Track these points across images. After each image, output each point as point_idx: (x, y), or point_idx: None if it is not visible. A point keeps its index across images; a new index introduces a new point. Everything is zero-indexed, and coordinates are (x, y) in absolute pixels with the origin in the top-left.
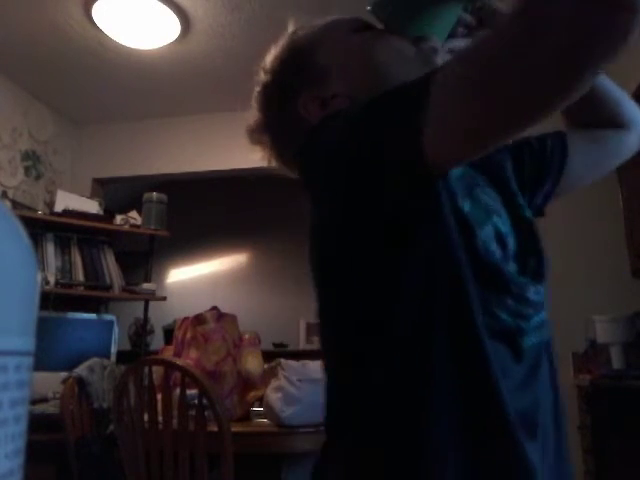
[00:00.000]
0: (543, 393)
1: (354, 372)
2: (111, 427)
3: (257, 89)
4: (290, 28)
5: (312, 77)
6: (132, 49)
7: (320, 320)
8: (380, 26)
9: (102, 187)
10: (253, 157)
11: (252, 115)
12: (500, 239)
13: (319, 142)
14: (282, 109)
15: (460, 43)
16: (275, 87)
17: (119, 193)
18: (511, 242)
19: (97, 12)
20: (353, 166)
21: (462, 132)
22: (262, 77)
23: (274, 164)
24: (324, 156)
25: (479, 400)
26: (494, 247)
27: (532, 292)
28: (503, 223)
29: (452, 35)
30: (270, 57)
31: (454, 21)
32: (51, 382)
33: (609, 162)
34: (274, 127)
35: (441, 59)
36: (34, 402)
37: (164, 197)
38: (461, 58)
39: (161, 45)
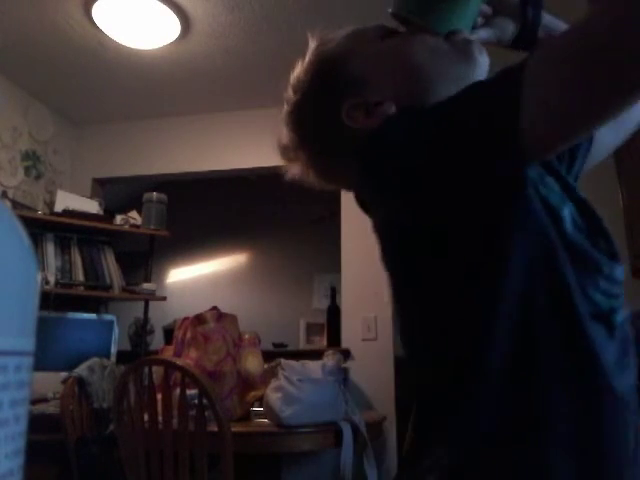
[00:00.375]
0: (631, 369)
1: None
2: (111, 427)
3: (287, 108)
4: (311, 44)
5: (349, 88)
6: (132, 49)
7: (408, 327)
8: (402, 29)
9: (102, 187)
10: (253, 157)
11: (284, 135)
12: (575, 223)
13: (391, 144)
14: (319, 123)
15: (483, 33)
16: (309, 103)
17: (119, 193)
18: (583, 225)
19: (97, 12)
20: (448, 162)
21: (560, 118)
22: (292, 96)
23: (311, 179)
24: (406, 157)
25: (590, 382)
26: (576, 231)
27: (619, 271)
28: (571, 207)
29: (473, 26)
30: (298, 74)
31: (477, 12)
32: (51, 382)
33: (630, 125)
34: (312, 142)
35: (477, 49)
36: (34, 402)
37: (164, 197)
38: (548, 57)
39: (161, 45)
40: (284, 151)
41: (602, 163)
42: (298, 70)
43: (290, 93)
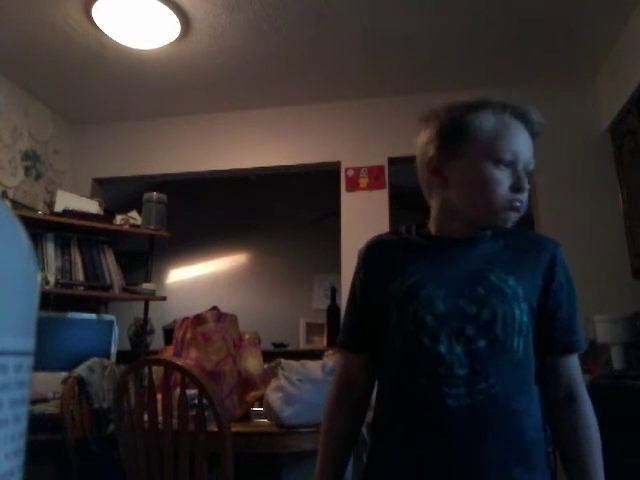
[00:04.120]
0: None
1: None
2: (111, 427)
3: None
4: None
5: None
6: (132, 49)
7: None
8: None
9: (102, 187)
10: (253, 157)
11: None
12: None
13: None
14: None
15: None
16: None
17: (119, 193)
18: None
19: (97, 12)
20: None
21: None
22: None
23: None
24: None
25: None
26: None
27: None
28: None
29: None
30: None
31: None
32: (51, 382)
33: None
34: None
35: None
36: (34, 402)
37: (164, 197)
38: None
39: (161, 45)
40: None
41: (602, 165)
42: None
43: None
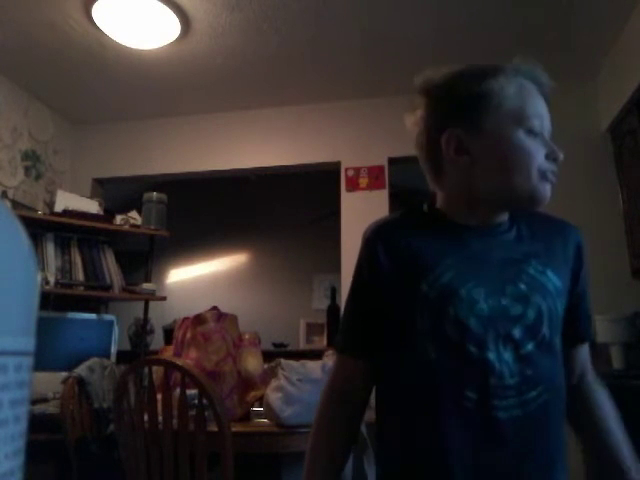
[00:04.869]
0: None
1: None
2: (111, 427)
3: None
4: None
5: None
6: (132, 49)
7: None
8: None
9: (102, 187)
10: (253, 157)
11: None
12: None
13: None
14: None
15: None
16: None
17: (119, 193)
18: None
19: (97, 12)
20: None
21: None
22: None
23: None
24: None
25: None
26: None
27: None
28: None
29: None
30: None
31: None
32: (51, 382)
33: None
34: None
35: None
36: (34, 402)
37: (164, 197)
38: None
39: (161, 45)
40: None
41: (602, 165)
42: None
43: None
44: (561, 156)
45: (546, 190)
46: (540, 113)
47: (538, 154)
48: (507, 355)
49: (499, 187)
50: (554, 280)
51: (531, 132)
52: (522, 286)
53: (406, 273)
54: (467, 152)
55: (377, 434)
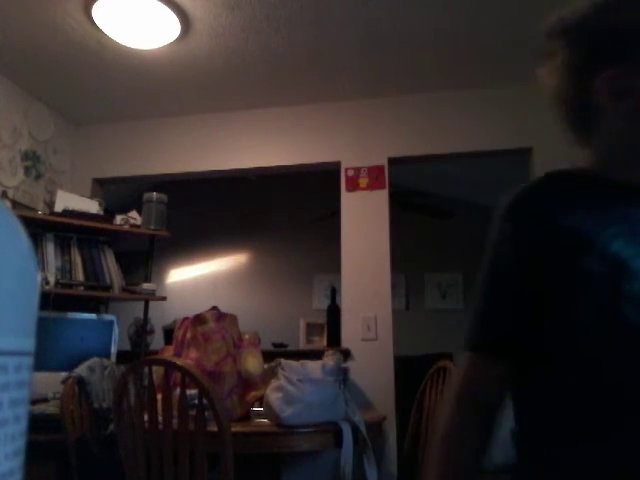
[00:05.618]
0: None
1: None
2: (111, 427)
3: None
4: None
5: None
6: (132, 49)
7: None
8: None
9: (102, 187)
10: (253, 157)
11: None
12: None
13: None
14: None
15: None
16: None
17: (119, 193)
18: None
19: (97, 12)
20: None
21: None
22: None
23: None
24: None
25: None
26: None
27: None
28: None
29: None
30: None
31: None
32: (51, 382)
33: None
34: None
35: None
36: (34, 402)
37: (164, 197)
38: None
39: (161, 45)
40: None
41: None
42: None
43: None
44: None
45: None
46: None
47: None
48: None
49: None
50: None
51: None
52: None
53: (563, 249)
54: (629, 95)
55: (529, 451)
